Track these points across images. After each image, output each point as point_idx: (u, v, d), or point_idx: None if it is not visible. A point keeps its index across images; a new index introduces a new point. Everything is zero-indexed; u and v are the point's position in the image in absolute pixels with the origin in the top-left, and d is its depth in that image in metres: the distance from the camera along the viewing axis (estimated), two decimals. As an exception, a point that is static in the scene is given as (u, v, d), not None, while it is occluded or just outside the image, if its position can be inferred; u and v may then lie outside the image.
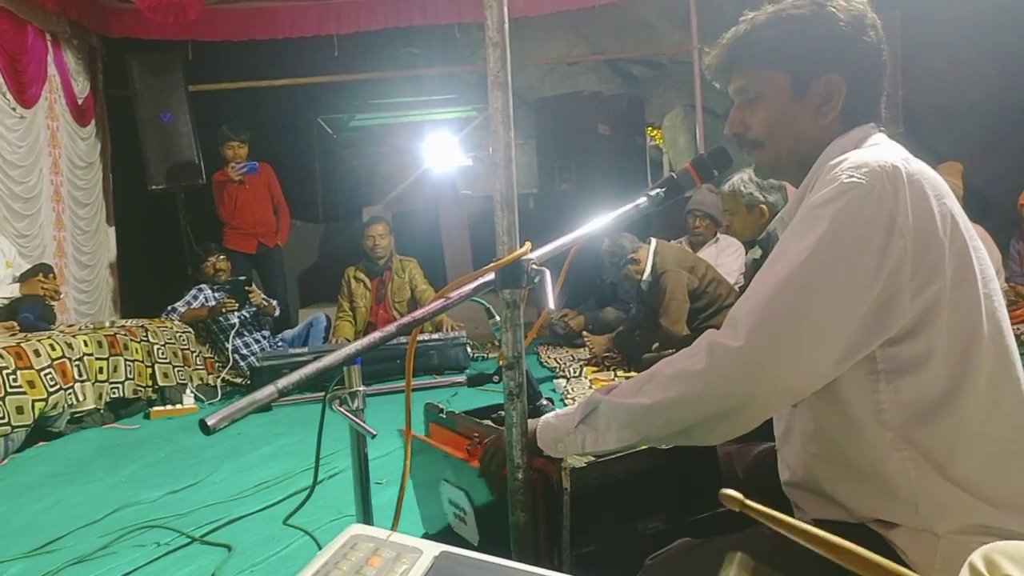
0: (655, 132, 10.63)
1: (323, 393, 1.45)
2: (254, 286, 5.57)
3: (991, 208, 6.61)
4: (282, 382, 0.96)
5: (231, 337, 5.28)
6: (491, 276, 1.20)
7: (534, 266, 1.21)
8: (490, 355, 5.55)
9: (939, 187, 1.12)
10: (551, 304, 1.20)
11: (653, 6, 8.36)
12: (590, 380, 4.26)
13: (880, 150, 1.16)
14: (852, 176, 1.08)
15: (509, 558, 1.34)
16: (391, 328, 1.09)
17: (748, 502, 0.66)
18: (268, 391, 0.95)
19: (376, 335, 1.08)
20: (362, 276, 5.79)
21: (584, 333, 5.06)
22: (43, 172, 5.91)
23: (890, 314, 1.07)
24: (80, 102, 6.46)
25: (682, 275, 4.06)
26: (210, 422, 0.90)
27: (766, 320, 1.07)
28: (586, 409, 1.27)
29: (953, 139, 6.96)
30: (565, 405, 3.67)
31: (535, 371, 4.77)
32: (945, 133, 7.07)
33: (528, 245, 1.23)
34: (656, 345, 4.21)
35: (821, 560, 0.66)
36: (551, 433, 1.31)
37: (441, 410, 1.82)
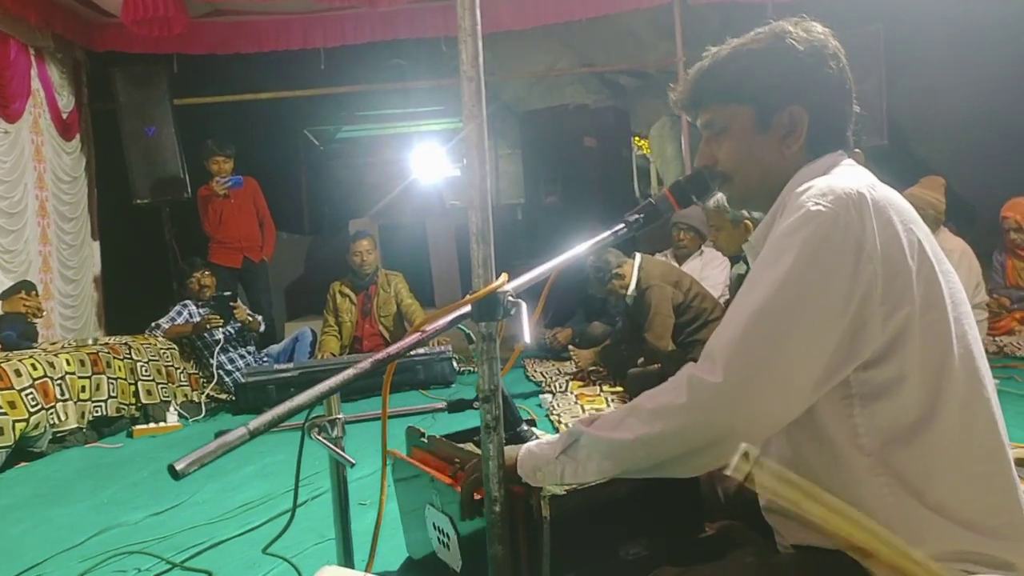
0: (642, 142, 10.67)
1: (302, 421, 1.44)
2: (239, 301, 5.54)
3: (975, 218, 6.67)
4: (253, 424, 0.96)
5: (216, 353, 5.26)
6: (467, 308, 1.21)
7: (510, 298, 1.21)
8: (476, 369, 5.53)
9: (905, 213, 1.13)
10: (527, 338, 1.20)
11: (639, 18, 8.38)
12: (576, 395, 4.26)
13: (845, 177, 1.17)
14: (818, 204, 1.09)
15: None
16: (366, 364, 1.09)
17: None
18: (239, 433, 0.95)
19: (350, 372, 1.07)
20: (347, 291, 5.77)
21: (570, 347, 5.06)
22: (28, 187, 5.87)
23: (862, 339, 1.08)
24: (65, 116, 6.43)
25: (667, 290, 4.06)
26: (179, 467, 0.90)
27: (743, 353, 1.08)
28: (568, 440, 1.27)
29: (937, 150, 7.03)
30: (550, 420, 3.68)
31: (521, 385, 4.77)
32: (929, 144, 7.14)
33: (504, 277, 1.23)
34: (641, 360, 4.21)
35: None
36: (531, 462, 1.32)
37: (422, 434, 1.82)
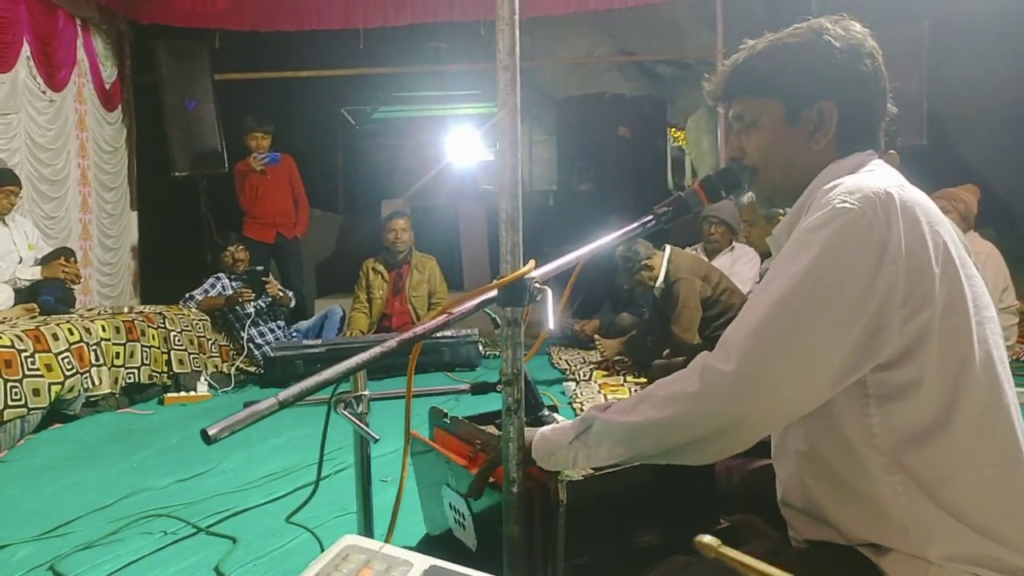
0: (678, 133, 10.58)
1: (329, 396, 1.47)
2: (271, 277, 5.63)
3: (1016, 220, 6.55)
4: (283, 395, 0.99)
5: (247, 326, 5.35)
6: (493, 293, 1.23)
7: (536, 285, 1.23)
8: (501, 354, 5.56)
9: (933, 215, 1.13)
10: (551, 324, 1.22)
11: (682, 7, 8.30)
12: (599, 384, 4.27)
13: (875, 176, 1.17)
14: (845, 201, 1.09)
15: (502, 567, 1.37)
16: (392, 343, 1.11)
17: (722, 549, 0.67)
18: (269, 403, 0.98)
19: (377, 350, 1.10)
20: (380, 268, 5.82)
21: (596, 336, 5.07)
22: (71, 155, 6.00)
23: (880, 340, 1.07)
24: (108, 87, 6.55)
25: (695, 283, 4.05)
26: (211, 432, 0.93)
27: (758, 345, 1.09)
28: (581, 426, 1.29)
29: (979, 153, 6.89)
30: (573, 408, 3.71)
31: (546, 372, 4.79)
32: (970, 146, 7.00)
33: (532, 264, 1.25)
34: (667, 352, 4.21)
35: None
36: (545, 447, 1.34)
37: (445, 415, 1.85)
